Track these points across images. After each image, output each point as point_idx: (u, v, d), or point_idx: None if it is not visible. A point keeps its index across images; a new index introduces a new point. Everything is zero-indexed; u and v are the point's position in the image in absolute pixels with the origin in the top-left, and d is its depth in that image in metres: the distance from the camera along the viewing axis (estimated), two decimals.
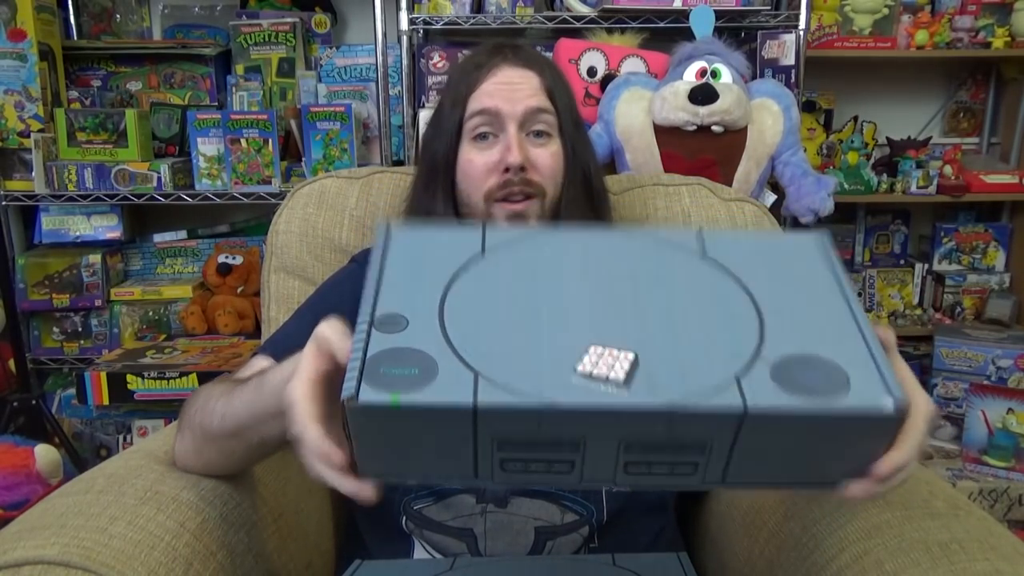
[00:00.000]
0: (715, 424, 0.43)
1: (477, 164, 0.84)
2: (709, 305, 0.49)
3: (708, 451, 0.45)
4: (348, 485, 0.48)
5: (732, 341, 0.47)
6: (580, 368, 0.44)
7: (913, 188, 1.92)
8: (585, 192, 0.89)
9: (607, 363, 0.44)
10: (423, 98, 1.74)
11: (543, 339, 0.46)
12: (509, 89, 0.84)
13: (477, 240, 0.54)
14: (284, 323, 0.92)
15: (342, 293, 0.85)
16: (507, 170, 0.82)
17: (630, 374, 0.44)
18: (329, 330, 0.50)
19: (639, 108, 1.54)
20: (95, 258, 1.81)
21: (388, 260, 0.52)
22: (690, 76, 1.50)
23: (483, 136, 0.85)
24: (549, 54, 1.77)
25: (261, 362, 0.78)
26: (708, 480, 0.47)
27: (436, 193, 0.88)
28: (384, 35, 1.69)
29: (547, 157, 0.85)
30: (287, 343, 0.75)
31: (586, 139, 0.92)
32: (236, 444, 0.66)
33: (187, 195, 1.73)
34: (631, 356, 0.45)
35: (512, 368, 0.44)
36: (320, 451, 0.47)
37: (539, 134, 0.85)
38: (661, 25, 1.66)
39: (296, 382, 0.49)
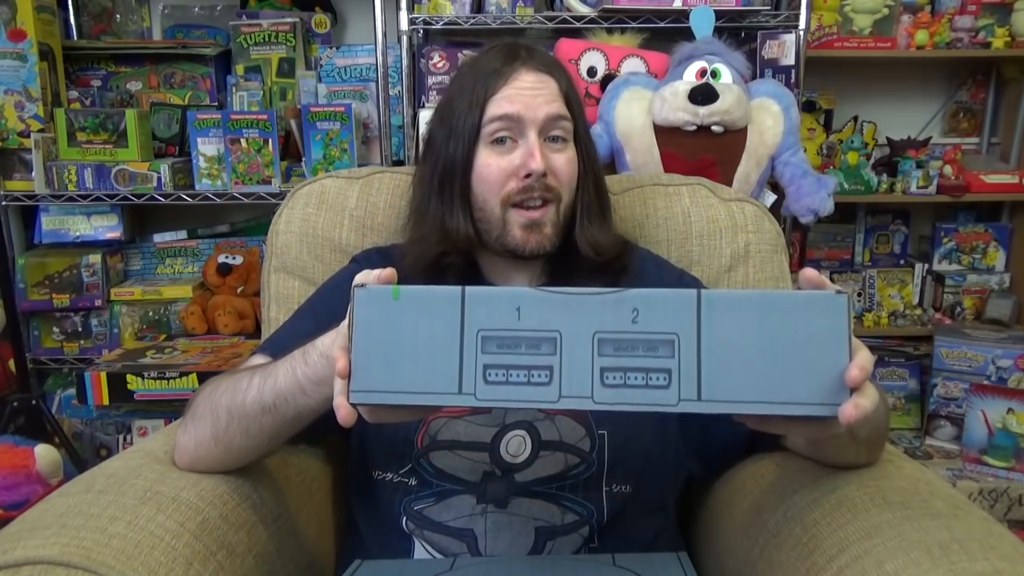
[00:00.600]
0: (674, 313, 0.49)
1: (495, 169, 0.84)
2: None
3: (677, 350, 0.49)
4: (341, 402, 0.53)
5: None
6: None
7: (913, 188, 1.92)
8: (597, 197, 0.90)
9: None
10: (423, 98, 1.74)
11: None
12: (531, 94, 0.84)
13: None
14: (284, 323, 0.92)
15: (343, 293, 0.85)
16: (527, 176, 0.82)
17: None
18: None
19: (639, 108, 1.54)
20: (95, 258, 1.81)
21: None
22: (690, 76, 1.50)
23: (501, 140, 0.84)
24: (549, 54, 1.77)
25: (260, 360, 0.78)
26: (684, 395, 0.49)
27: (452, 197, 0.87)
28: (384, 35, 1.69)
29: (564, 163, 0.85)
30: (286, 342, 0.75)
31: (594, 145, 0.93)
32: (267, 420, 0.69)
33: (187, 195, 1.73)
34: None
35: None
36: (332, 352, 0.57)
37: (556, 139, 0.85)
38: (661, 25, 1.66)
39: (340, 338, 0.56)
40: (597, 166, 0.92)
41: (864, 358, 0.51)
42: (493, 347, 0.50)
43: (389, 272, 0.58)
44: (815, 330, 0.49)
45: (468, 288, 0.50)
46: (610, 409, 0.49)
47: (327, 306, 0.87)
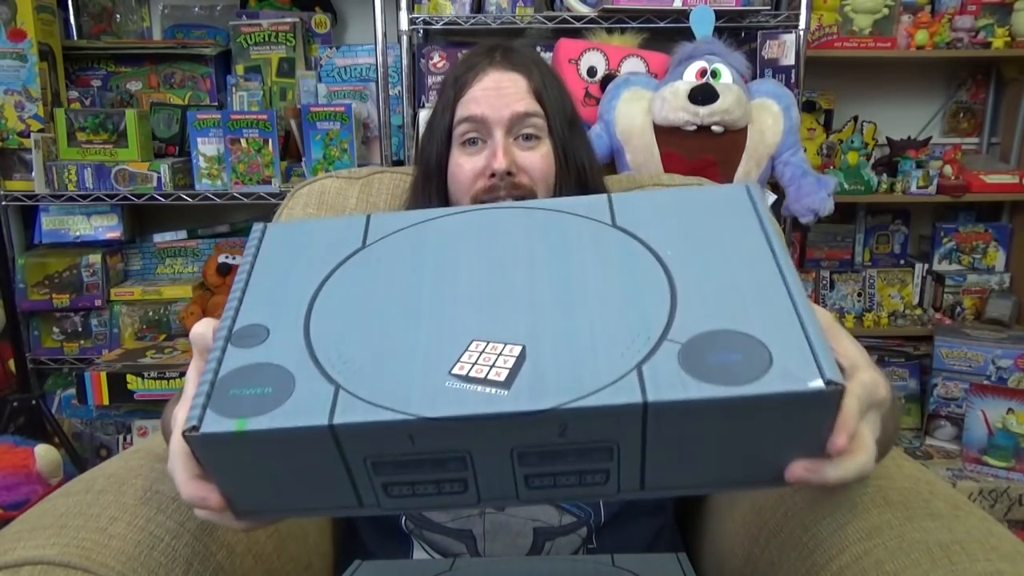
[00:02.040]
0: (614, 424, 0.37)
1: (466, 169, 0.85)
2: (615, 282, 0.42)
3: (616, 455, 0.39)
4: (232, 524, 0.44)
5: (638, 322, 0.40)
6: (456, 370, 0.38)
7: (913, 188, 1.92)
8: (580, 191, 0.89)
9: (487, 360, 0.39)
10: (423, 98, 1.74)
11: (419, 339, 0.40)
12: (496, 94, 0.84)
13: (359, 231, 0.48)
14: None
15: None
16: (493, 175, 0.83)
17: (513, 372, 0.38)
18: (202, 332, 0.45)
19: (639, 108, 1.54)
20: (95, 258, 1.81)
21: (257, 264, 0.47)
22: (690, 76, 1.50)
23: (472, 141, 0.85)
24: (549, 54, 1.77)
25: None
26: (625, 487, 0.41)
27: (430, 197, 0.89)
28: (384, 35, 1.69)
29: (536, 160, 0.85)
30: None
31: (582, 138, 0.91)
32: None
33: (187, 195, 1.73)
34: (517, 350, 0.39)
35: (379, 377, 0.38)
36: (191, 496, 0.43)
37: (528, 137, 0.85)
38: (661, 25, 1.66)
39: (175, 428, 0.43)
40: (584, 159, 0.90)
41: (850, 409, 0.39)
42: (388, 470, 0.39)
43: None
44: (788, 425, 0.38)
45: (336, 423, 0.37)
46: (538, 504, 0.42)
47: None
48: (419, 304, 0.42)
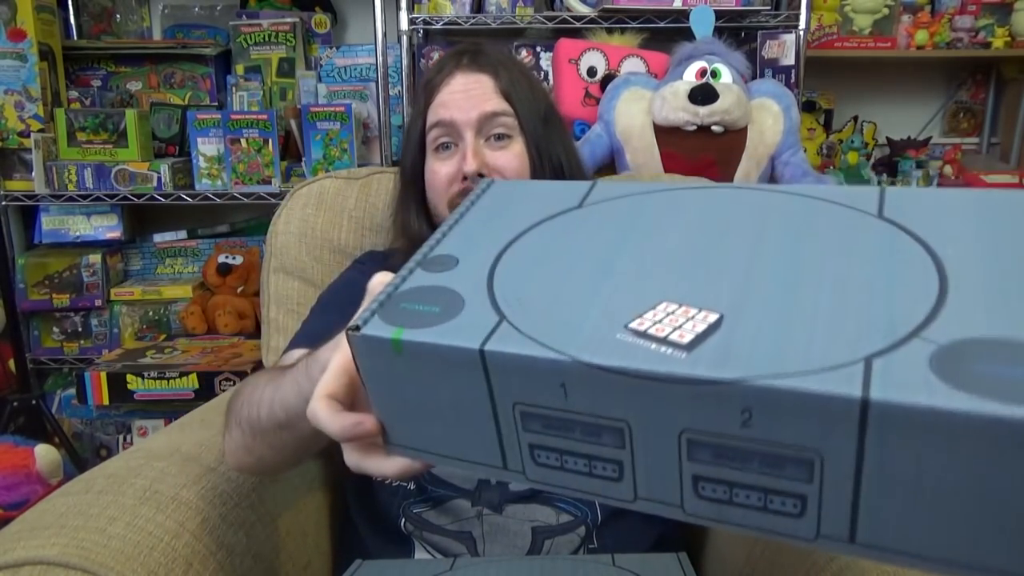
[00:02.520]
0: (817, 425, 0.28)
1: (440, 174, 0.86)
2: (861, 269, 0.33)
3: (818, 475, 0.29)
4: (381, 466, 0.43)
5: (881, 313, 0.30)
6: (634, 324, 0.33)
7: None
8: None
9: (673, 322, 0.32)
10: None
11: (603, 291, 0.35)
12: (463, 97, 0.85)
13: (580, 193, 0.45)
14: (309, 318, 0.89)
15: (359, 289, 0.85)
16: (466, 178, 0.83)
17: (700, 338, 0.31)
18: (381, 280, 0.45)
19: (639, 108, 1.54)
20: (95, 258, 1.81)
21: (472, 210, 0.46)
22: (690, 76, 1.50)
23: (445, 146, 0.86)
24: (549, 54, 1.77)
25: (298, 354, 0.74)
26: (828, 532, 0.30)
27: (409, 204, 0.90)
28: (384, 35, 1.69)
29: (509, 159, 0.85)
30: (321, 333, 0.73)
31: (559, 134, 0.90)
32: (287, 436, 0.60)
33: (187, 195, 1.73)
34: (713, 317, 0.32)
35: (547, 318, 0.34)
36: (342, 426, 0.42)
37: (499, 137, 0.85)
38: (661, 25, 1.66)
39: (327, 372, 0.44)
40: (561, 155, 0.89)
41: None
42: (537, 426, 0.35)
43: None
44: None
45: (488, 348, 0.33)
46: (711, 525, 0.33)
47: (350, 299, 0.86)
48: (615, 262, 0.38)
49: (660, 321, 0.32)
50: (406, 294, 0.39)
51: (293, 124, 1.78)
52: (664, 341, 0.31)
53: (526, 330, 0.34)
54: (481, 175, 0.82)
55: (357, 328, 0.37)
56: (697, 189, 0.43)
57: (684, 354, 0.30)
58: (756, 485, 0.31)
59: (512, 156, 0.85)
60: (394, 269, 0.44)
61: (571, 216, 0.43)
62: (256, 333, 1.76)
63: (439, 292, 0.38)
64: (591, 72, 1.63)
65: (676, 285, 0.35)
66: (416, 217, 0.90)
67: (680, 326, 0.32)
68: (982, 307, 0.30)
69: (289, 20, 1.82)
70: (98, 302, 1.82)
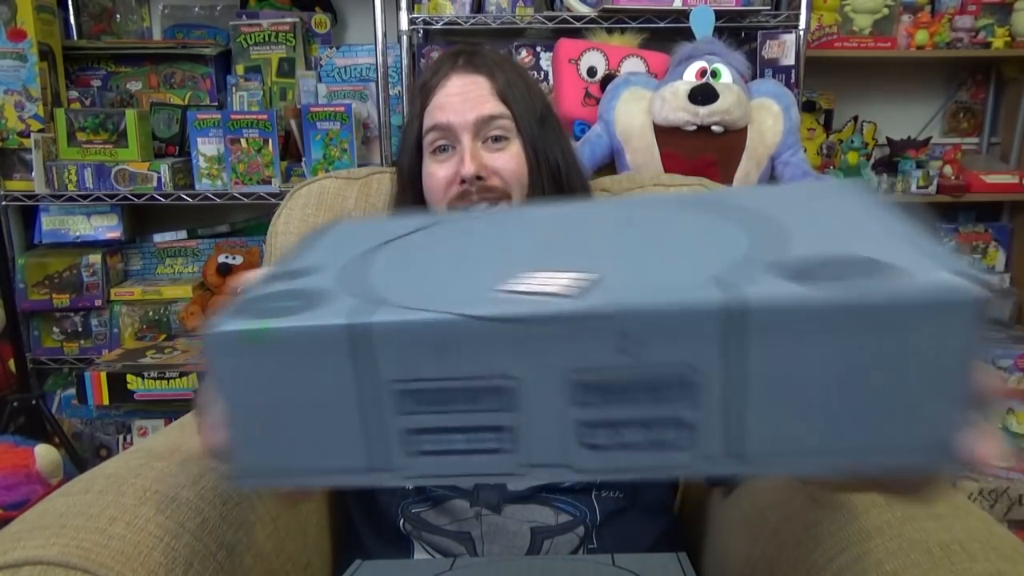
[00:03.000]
0: (690, 341, 0.29)
1: (437, 177, 0.85)
2: (707, 232, 0.37)
3: (696, 396, 0.30)
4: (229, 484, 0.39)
5: (730, 248, 0.34)
6: (507, 287, 0.33)
7: (913, 188, 1.92)
8: (556, 188, 0.88)
9: (544, 281, 0.33)
10: None
11: (470, 270, 0.36)
12: (460, 100, 0.84)
13: (432, 218, 0.46)
14: None
15: None
16: (463, 181, 0.83)
17: (574, 286, 0.32)
18: (251, 277, 0.42)
19: (639, 108, 1.54)
20: (95, 258, 1.81)
21: (322, 237, 0.46)
22: (690, 76, 1.50)
23: (442, 149, 0.86)
24: (549, 54, 1.77)
25: None
26: (717, 452, 0.31)
27: (407, 206, 0.90)
28: (384, 35, 1.69)
29: (506, 161, 0.85)
30: None
31: (556, 135, 0.90)
32: None
33: (187, 195, 1.73)
34: (585, 276, 0.33)
35: (422, 293, 0.34)
36: (203, 443, 0.39)
37: (497, 139, 0.85)
38: (661, 25, 1.66)
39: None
40: (559, 157, 0.89)
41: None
42: (413, 404, 0.33)
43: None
44: (923, 350, 0.29)
45: (360, 322, 0.32)
46: (602, 477, 0.33)
47: None
48: (474, 254, 0.38)
49: (531, 283, 0.33)
50: (264, 298, 0.36)
51: (293, 124, 1.78)
52: (541, 293, 0.32)
53: (400, 303, 0.33)
54: (479, 177, 0.82)
55: (211, 328, 0.34)
56: (547, 207, 0.45)
57: (562, 298, 0.31)
58: (643, 419, 0.31)
59: (510, 157, 0.85)
60: None
61: (420, 233, 0.43)
62: None
63: (298, 292, 0.36)
64: (591, 72, 1.63)
65: (540, 259, 0.36)
66: None
67: (553, 282, 0.33)
68: (812, 238, 0.34)
69: (289, 20, 1.82)
70: (98, 302, 1.82)
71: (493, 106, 0.85)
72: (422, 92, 0.88)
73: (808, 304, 0.28)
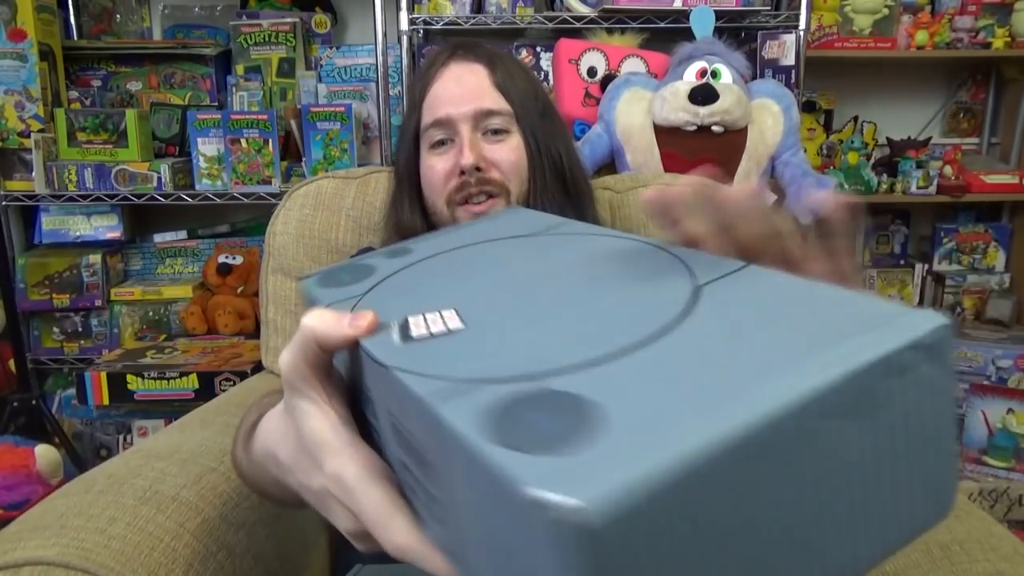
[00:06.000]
0: (423, 424, 0.27)
1: (437, 170, 0.85)
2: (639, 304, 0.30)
3: (432, 476, 0.28)
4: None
5: (557, 350, 0.27)
6: (412, 319, 0.34)
7: (913, 188, 1.92)
8: (557, 180, 0.87)
9: (428, 321, 0.33)
10: None
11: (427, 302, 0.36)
12: (458, 92, 0.83)
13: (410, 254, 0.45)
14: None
15: None
16: (463, 172, 0.82)
17: (428, 336, 0.31)
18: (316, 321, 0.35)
19: (639, 108, 1.54)
20: (95, 258, 1.81)
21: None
22: (690, 76, 1.50)
23: (441, 142, 0.85)
24: (549, 54, 1.77)
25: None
26: (445, 544, 0.30)
27: (404, 202, 0.89)
28: (384, 35, 1.69)
29: (506, 153, 0.84)
30: None
31: (556, 127, 0.89)
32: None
33: (187, 195, 1.73)
34: (456, 324, 0.32)
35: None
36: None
37: (496, 132, 0.84)
38: (661, 25, 1.66)
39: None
40: (560, 149, 0.88)
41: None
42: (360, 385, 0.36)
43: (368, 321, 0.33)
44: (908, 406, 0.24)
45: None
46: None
47: None
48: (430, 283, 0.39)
49: (425, 320, 0.33)
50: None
51: (293, 124, 1.77)
52: (405, 335, 0.32)
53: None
54: (478, 168, 0.81)
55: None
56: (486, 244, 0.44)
57: (401, 344, 0.31)
58: (417, 479, 0.30)
59: (510, 150, 0.84)
60: None
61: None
62: (256, 333, 1.76)
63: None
64: (591, 72, 1.63)
65: (466, 300, 0.34)
66: (411, 213, 0.89)
67: (427, 324, 0.32)
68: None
69: (289, 20, 1.82)
70: (98, 302, 1.82)
71: (492, 100, 0.83)
72: (419, 84, 0.87)
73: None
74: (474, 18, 1.70)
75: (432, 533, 0.31)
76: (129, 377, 1.58)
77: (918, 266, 2.10)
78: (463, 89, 0.84)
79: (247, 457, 0.52)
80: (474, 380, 0.26)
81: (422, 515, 0.32)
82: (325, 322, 0.34)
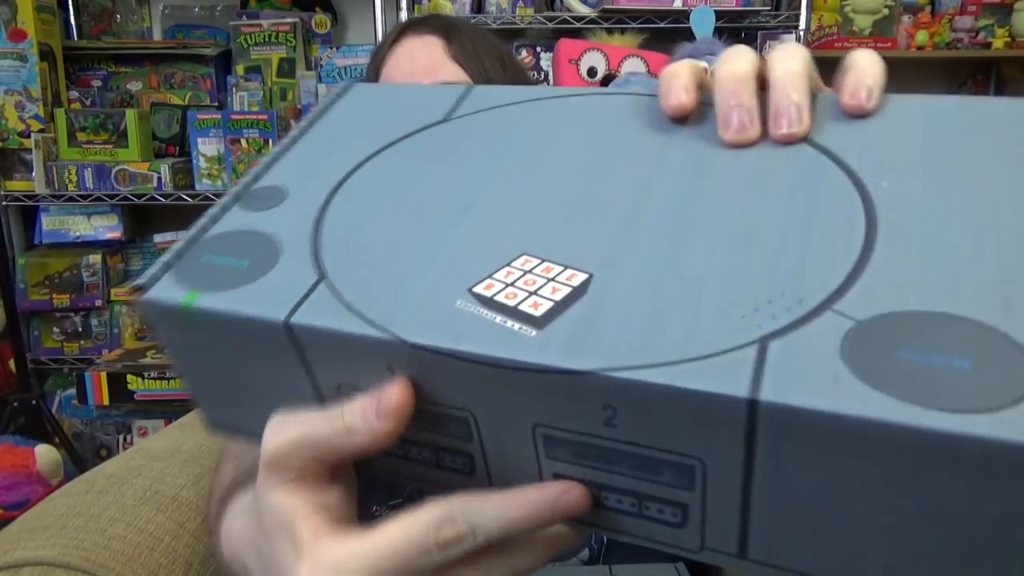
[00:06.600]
0: (692, 425, 0.22)
1: None
2: (776, 214, 0.25)
3: (700, 484, 0.23)
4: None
5: (788, 276, 0.23)
6: (480, 288, 0.25)
7: None
8: None
9: (529, 284, 0.25)
10: None
11: (452, 240, 0.28)
12: (411, 68, 0.78)
13: (451, 101, 0.36)
14: None
15: None
16: None
17: (558, 308, 0.24)
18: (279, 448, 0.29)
19: None
20: (95, 258, 1.81)
21: (320, 122, 0.36)
22: None
23: None
24: (549, 54, 1.77)
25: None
26: (713, 545, 0.25)
27: None
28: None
29: None
30: None
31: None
32: None
33: (187, 195, 1.73)
34: (579, 278, 0.25)
35: (379, 275, 0.27)
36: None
37: None
38: (661, 25, 1.66)
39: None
40: None
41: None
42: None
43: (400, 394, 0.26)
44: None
45: (296, 321, 0.26)
46: (584, 530, 0.27)
47: None
48: (474, 198, 0.29)
49: (514, 283, 0.25)
50: (212, 241, 0.31)
51: (293, 124, 1.78)
52: (513, 312, 0.24)
53: (346, 294, 0.26)
54: None
55: (141, 289, 0.29)
56: (591, 96, 0.34)
57: (534, 331, 0.23)
58: (628, 489, 0.25)
59: None
60: None
61: (433, 133, 0.34)
62: None
63: (252, 238, 0.30)
64: (591, 72, 1.63)
65: (543, 231, 0.27)
66: None
67: (536, 290, 0.25)
68: (917, 267, 0.22)
69: (289, 20, 1.82)
70: (98, 302, 1.82)
71: (449, 71, 0.76)
72: (372, 65, 0.81)
73: (870, 426, 0.19)
74: (474, 18, 1.70)
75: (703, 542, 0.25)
76: (129, 377, 1.58)
77: None
78: (416, 64, 0.78)
79: (219, 541, 0.41)
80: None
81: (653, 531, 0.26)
82: (334, 429, 0.27)
